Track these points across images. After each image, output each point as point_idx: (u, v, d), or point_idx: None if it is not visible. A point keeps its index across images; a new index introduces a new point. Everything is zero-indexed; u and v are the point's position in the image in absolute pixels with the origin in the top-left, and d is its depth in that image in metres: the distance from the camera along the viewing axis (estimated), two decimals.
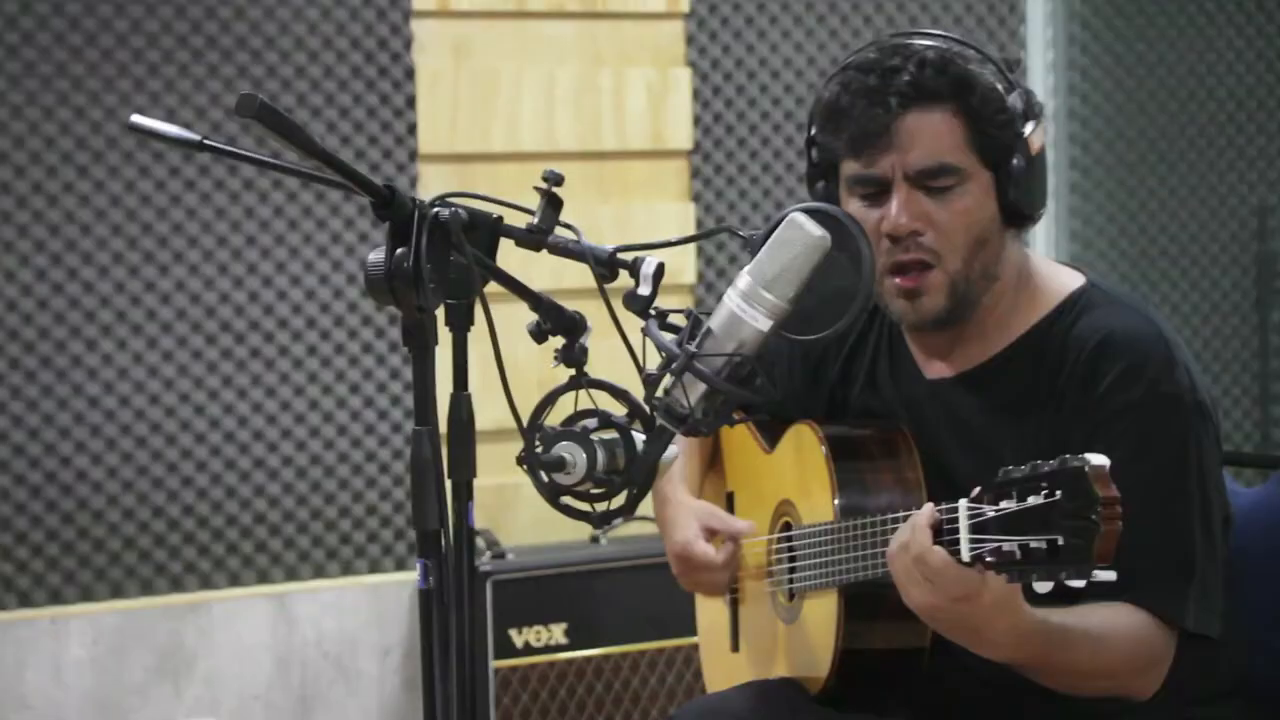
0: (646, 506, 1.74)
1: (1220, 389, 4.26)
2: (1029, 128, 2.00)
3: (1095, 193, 4.18)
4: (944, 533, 1.78)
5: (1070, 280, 2.09)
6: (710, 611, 2.44)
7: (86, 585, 3.41)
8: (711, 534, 2.25)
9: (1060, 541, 1.64)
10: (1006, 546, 1.68)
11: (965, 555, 1.74)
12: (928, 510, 1.79)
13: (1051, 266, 2.13)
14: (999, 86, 1.99)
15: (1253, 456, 3.97)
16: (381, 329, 3.58)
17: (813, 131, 2.08)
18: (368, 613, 3.56)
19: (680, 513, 2.28)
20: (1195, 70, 4.25)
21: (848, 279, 1.72)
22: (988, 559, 1.71)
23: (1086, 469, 1.64)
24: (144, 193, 3.42)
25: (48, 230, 3.36)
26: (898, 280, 2.01)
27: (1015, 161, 1.99)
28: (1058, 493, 1.64)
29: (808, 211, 1.70)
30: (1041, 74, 4.11)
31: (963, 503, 1.74)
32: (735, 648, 2.37)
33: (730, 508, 2.40)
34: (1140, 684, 1.96)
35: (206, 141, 1.64)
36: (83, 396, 3.39)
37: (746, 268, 1.69)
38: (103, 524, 3.41)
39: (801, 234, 1.68)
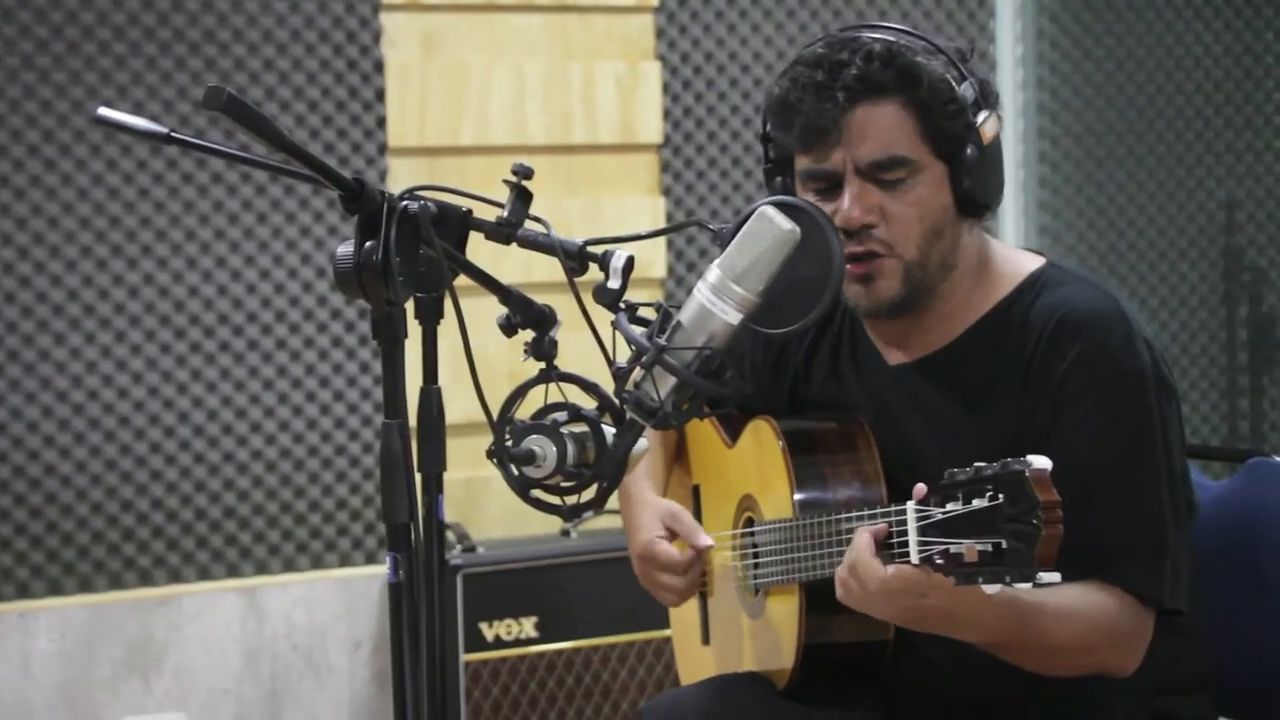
0: (617, 500, 1.74)
1: (1188, 382, 4.28)
2: (981, 117, 2.00)
3: (1064, 187, 4.19)
4: (893, 535, 1.80)
5: (1029, 263, 2.10)
6: (683, 605, 2.44)
7: (55, 579, 3.39)
8: (674, 536, 2.24)
9: (1004, 544, 1.65)
10: (954, 549, 1.69)
11: (914, 558, 1.75)
12: (865, 535, 1.81)
13: (1010, 251, 2.14)
14: (949, 77, 1.99)
15: (1220, 450, 3.99)
16: (351, 322, 3.58)
17: (766, 128, 2.08)
18: (337, 606, 3.56)
19: (645, 512, 2.28)
20: (1164, 65, 4.27)
21: (817, 272, 1.72)
22: (937, 560, 1.72)
23: (1027, 473, 1.65)
24: (112, 186, 3.40)
25: (14, 224, 3.34)
26: (850, 266, 2.01)
27: (968, 152, 1.99)
28: (1000, 495, 1.65)
29: (777, 205, 1.71)
30: (1010, 68, 4.12)
31: (910, 505, 1.75)
32: (706, 640, 2.38)
33: (696, 501, 2.40)
34: (1120, 660, 1.97)
35: (174, 134, 1.63)
36: (51, 390, 3.37)
37: (716, 261, 1.69)
38: (71, 518, 3.39)
39: (771, 227, 1.69)
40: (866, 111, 1.97)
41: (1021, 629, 1.89)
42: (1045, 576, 1.64)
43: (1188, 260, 4.30)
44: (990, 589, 1.68)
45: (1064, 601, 1.91)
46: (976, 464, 1.69)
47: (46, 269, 3.36)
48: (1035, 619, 1.89)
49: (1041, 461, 1.66)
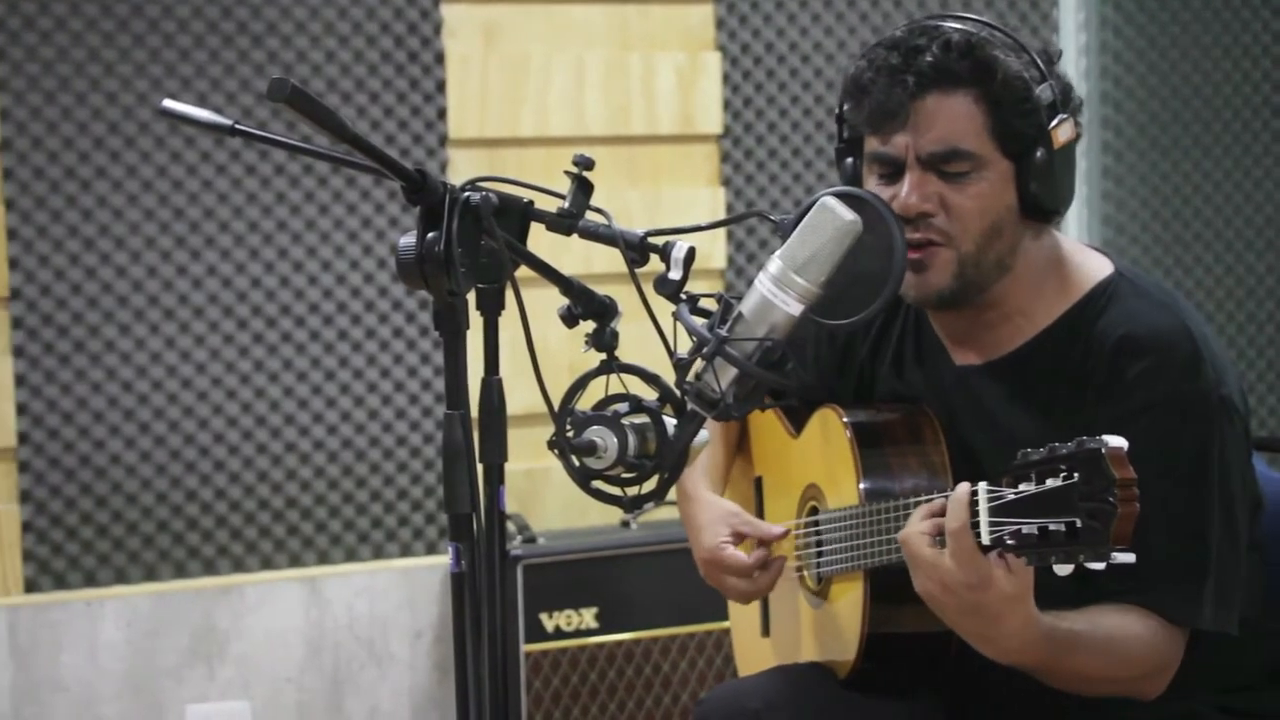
0: (675, 496, 1.74)
1: (1254, 374, 4.24)
2: (1056, 121, 1.97)
3: (1128, 177, 4.15)
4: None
5: (1099, 268, 2.06)
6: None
7: (121, 568, 3.43)
8: (740, 538, 2.23)
9: (1078, 524, 1.63)
10: (1026, 529, 1.68)
11: (985, 538, 1.73)
12: (965, 487, 1.77)
13: (1081, 253, 2.10)
14: (1026, 75, 1.96)
15: None
16: (412, 313, 3.59)
17: (842, 107, 2.07)
18: (399, 596, 3.58)
19: (707, 514, 2.26)
20: (1230, 53, 4.22)
21: (879, 263, 1.71)
22: (1008, 541, 1.70)
23: (1104, 450, 1.63)
24: (176, 178, 3.43)
25: (81, 215, 3.37)
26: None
27: (1038, 154, 1.96)
28: (1075, 474, 1.64)
29: (839, 195, 1.70)
30: (1074, 58, 4.08)
31: (982, 485, 1.74)
32: (766, 632, 2.37)
33: (759, 492, 2.39)
34: (1147, 686, 1.96)
35: (238, 126, 1.64)
36: (116, 380, 3.40)
37: (777, 252, 1.69)
38: (137, 508, 3.43)
39: (833, 218, 1.68)
40: (937, 100, 1.95)
41: (1053, 659, 1.88)
42: (1120, 556, 1.63)
43: (1254, 251, 4.25)
44: (1062, 570, 1.66)
45: (1102, 630, 1.90)
46: (1051, 444, 1.68)
47: (111, 260, 3.39)
48: (1067, 653, 1.87)
49: (1118, 440, 1.64)
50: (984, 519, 1.73)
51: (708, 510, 2.27)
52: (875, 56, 1.99)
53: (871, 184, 2.02)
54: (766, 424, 2.35)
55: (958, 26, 1.98)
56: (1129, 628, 1.92)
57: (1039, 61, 1.99)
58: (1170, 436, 1.93)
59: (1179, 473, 1.93)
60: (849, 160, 2.07)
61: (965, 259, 1.99)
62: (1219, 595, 1.94)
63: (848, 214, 1.68)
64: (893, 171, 2.00)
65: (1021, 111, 1.96)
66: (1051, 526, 1.66)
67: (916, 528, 1.83)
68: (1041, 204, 1.99)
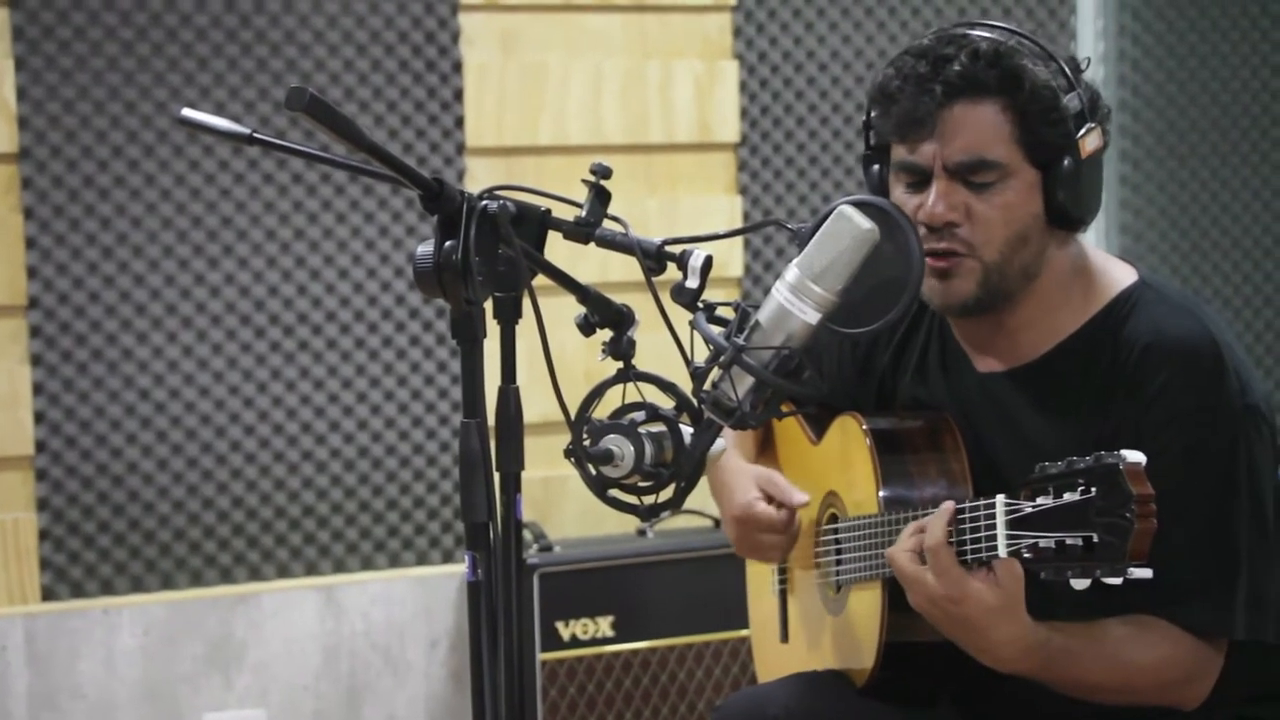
0: (694, 500, 1.74)
1: (1273, 381, 4.22)
2: (1084, 130, 1.96)
3: (1146, 185, 4.14)
4: (975, 528, 1.79)
5: (1123, 276, 2.06)
6: (761, 603, 2.44)
7: (138, 576, 3.43)
8: (769, 499, 2.23)
9: (1095, 539, 1.63)
10: (1044, 542, 1.68)
11: (1002, 550, 1.73)
12: (949, 506, 1.81)
13: (1105, 261, 2.10)
14: (1054, 85, 1.95)
15: None
16: (429, 322, 3.59)
17: (870, 114, 2.07)
18: (415, 604, 3.58)
19: (738, 477, 2.27)
20: (1249, 61, 4.21)
21: (896, 272, 1.71)
22: (1025, 555, 1.70)
23: (1122, 466, 1.63)
24: (194, 186, 3.44)
25: (99, 223, 3.38)
26: (930, 260, 1.98)
27: (1065, 163, 1.96)
28: (1093, 489, 1.64)
29: (856, 204, 1.70)
30: (1092, 66, 4.07)
31: (1000, 498, 1.74)
32: (785, 639, 2.37)
33: None
34: (1181, 696, 1.95)
35: (256, 135, 1.64)
36: (133, 389, 3.41)
37: (794, 260, 1.69)
38: (153, 516, 3.43)
39: (850, 226, 1.68)
40: (964, 110, 1.95)
41: (1054, 668, 1.88)
42: (1137, 572, 1.63)
43: (1273, 259, 4.24)
44: (1079, 584, 1.66)
45: (1107, 641, 1.90)
46: (1069, 458, 1.67)
47: (130, 268, 3.40)
48: (1069, 662, 1.87)
49: (1135, 455, 1.64)
50: (1001, 532, 1.73)
51: (738, 473, 2.28)
52: (903, 65, 1.99)
53: (898, 192, 2.02)
54: (788, 429, 2.35)
55: (986, 35, 1.98)
56: (1143, 637, 1.91)
57: (1067, 70, 1.98)
58: (1197, 446, 1.93)
59: (1207, 482, 1.93)
60: (875, 168, 2.07)
61: (991, 268, 1.99)
62: (1252, 602, 1.94)
63: (865, 222, 1.68)
64: (919, 180, 2.00)
65: (1049, 121, 1.96)
66: (1068, 541, 1.65)
67: (901, 545, 1.86)
68: (1068, 213, 1.99)
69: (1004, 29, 2.00)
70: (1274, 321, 4.24)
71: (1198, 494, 1.91)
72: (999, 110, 1.95)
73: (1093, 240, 4.04)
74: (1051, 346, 2.05)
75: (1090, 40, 4.06)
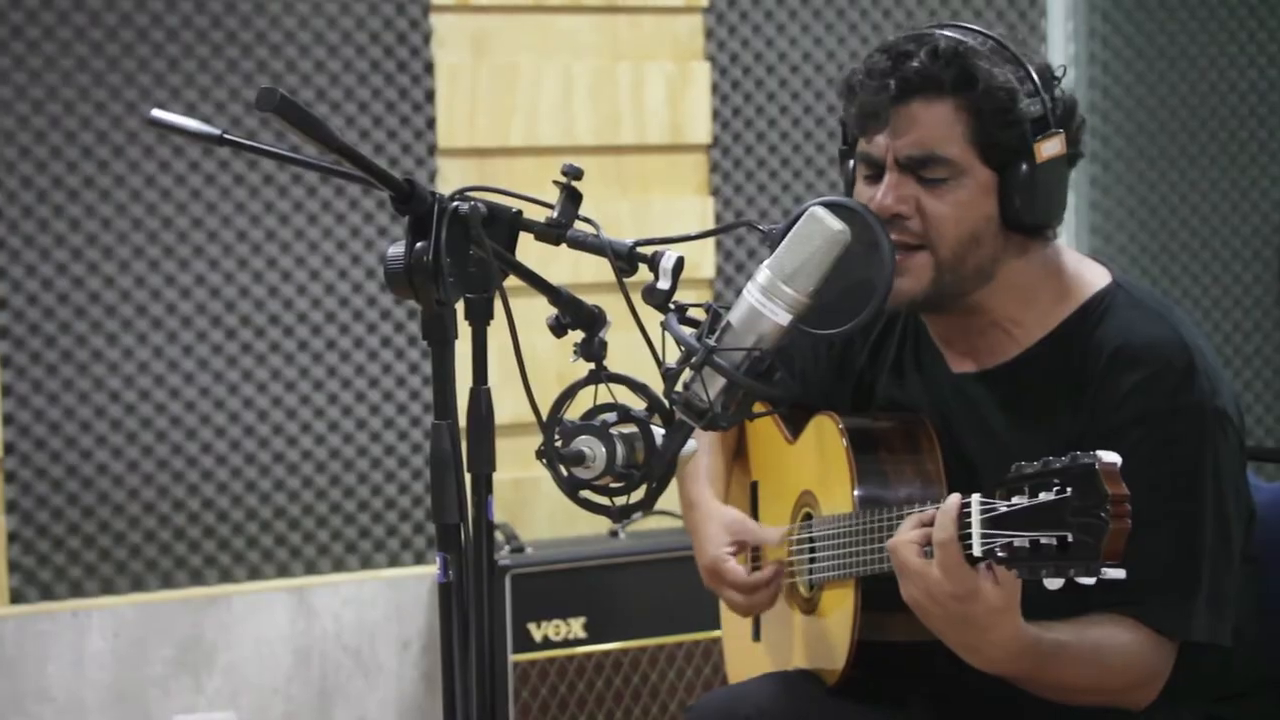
0: (666, 501, 1.74)
1: (1241, 383, 4.25)
2: (1043, 135, 1.96)
3: (1116, 187, 4.16)
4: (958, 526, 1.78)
5: (1096, 278, 2.06)
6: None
7: (107, 578, 3.42)
8: (743, 547, 2.24)
9: (1070, 538, 1.64)
10: (1018, 542, 1.68)
11: (977, 549, 1.73)
12: (955, 499, 1.77)
13: (1079, 263, 2.10)
14: (1012, 88, 1.95)
15: (1275, 452, 3.95)
16: (400, 323, 3.59)
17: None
18: (387, 606, 3.57)
19: (709, 523, 2.27)
20: (1217, 63, 4.23)
21: (867, 273, 1.72)
22: (999, 554, 1.71)
23: (1097, 466, 1.64)
24: (164, 187, 3.43)
25: (68, 225, 3.37)
26: None
27: (1021, 168, 1.96)
28: (1069, 489, 1.64)
29: (828, 205, 1.71)
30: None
31: (975, 497, 1.74)
32: (757, 637, 2.37)
33: (755, 498, 2.39)
34: (1136, 696, 1.96)
35: (226, 136, 1.64)
36: (103, 390, 3.40)
37: (766, 262, 1.69)
38: (123, 517, 3.42)
39: (821, 228, 1.68)
40: (920, 106, 1.96)
41: (1039, 670, 1.88)
42: (1110, 572, 1.63)
43: (1241, 261, 4.26)
44: (1053, 583, 1.66)
45: (1089, 641, 1.90)
46: (1045, 457, 1.68)
47: (99, 270, 3.39)
48: (1053, 663, 1.87)
49: (1111, 456, 1.64)
50: (976, 531, 1.73)
51: (711, 519, 2.28)
52: (870, 59, 2.01)
53: (859, 184, 2.03)
54: (764, 429, 2.36)
55: (950, 35, 1.98)
56: (1116, 638, 1.92)
57: (1034, 75, 1.98)
58: (1164, 448, 1.93)
59: (1173, 485, 1.93)
60: (850, 163, 2.08)
61: (943, 265, 1.99)
62: (1212, 607, 1.94)
63: (836, 224, 1.68)
64: (876, 173, 2.02)
65: (1004, 123, 1.96)
66: (1043, 540, 1.66)
67: (905, 536, 1.83)
68: (1022, 217, 1.99)
69: (977, 31, 2.01)
70: (1242, 322, 4.27)
71: (1164, 496, 1.91)
72: (953, 109, 1.96)
73: (1062, 241, 4.06)
74: (1024, 349, 2.06)
75: (1060, 43, 4.07)
